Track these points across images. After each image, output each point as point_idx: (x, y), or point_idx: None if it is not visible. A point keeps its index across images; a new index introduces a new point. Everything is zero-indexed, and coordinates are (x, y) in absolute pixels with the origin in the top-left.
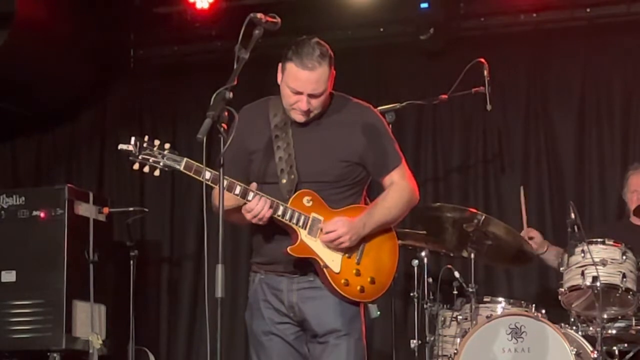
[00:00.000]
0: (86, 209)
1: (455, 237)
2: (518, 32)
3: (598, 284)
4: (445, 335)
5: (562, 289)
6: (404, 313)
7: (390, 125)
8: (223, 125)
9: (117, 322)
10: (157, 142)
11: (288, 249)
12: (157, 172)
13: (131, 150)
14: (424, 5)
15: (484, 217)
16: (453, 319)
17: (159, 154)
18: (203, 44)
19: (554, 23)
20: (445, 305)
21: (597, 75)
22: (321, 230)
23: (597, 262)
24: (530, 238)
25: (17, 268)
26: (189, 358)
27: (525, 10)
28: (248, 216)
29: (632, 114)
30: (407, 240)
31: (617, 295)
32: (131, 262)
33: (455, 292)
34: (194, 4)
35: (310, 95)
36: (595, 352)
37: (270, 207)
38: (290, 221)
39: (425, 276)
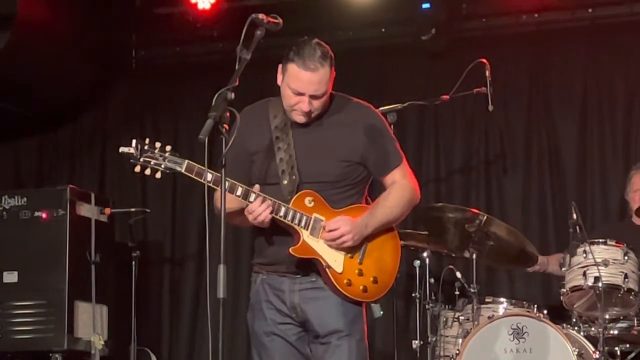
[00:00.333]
0: (88, 210)
1: (457, 238)
2: (520, 32)
3: (600, 284)
4: (447, 336)
5: (564, 290)
6: (405, 313)
7: (392, 126)
8: (225, 125)
9: (119, 322)
10: (158, 145)
11: (290, 249)
12: (158, 175)
13: (132, 153)
14: (426, 5)
15: (485, 217)
16: (455, 319)
17: (160, 156)
18: (204, 44)
19: (555, 23)
20: (447, 306)
21: (599, 76)
22: (323, 229)
23: (599, 262)
24: None
25: (19, 269)
26: (190, 358)
27: (527, 10)
28: (250, 218)
29: (634, 114)
30: (409, 241)
31: (619, 295)
32: (133, 262)
33: (457, 292)
34: (195, 4)
35: (312, 97)
36: (597, 352)
37: (272, 208)
38: (292, 222)
39: (427, 277)
